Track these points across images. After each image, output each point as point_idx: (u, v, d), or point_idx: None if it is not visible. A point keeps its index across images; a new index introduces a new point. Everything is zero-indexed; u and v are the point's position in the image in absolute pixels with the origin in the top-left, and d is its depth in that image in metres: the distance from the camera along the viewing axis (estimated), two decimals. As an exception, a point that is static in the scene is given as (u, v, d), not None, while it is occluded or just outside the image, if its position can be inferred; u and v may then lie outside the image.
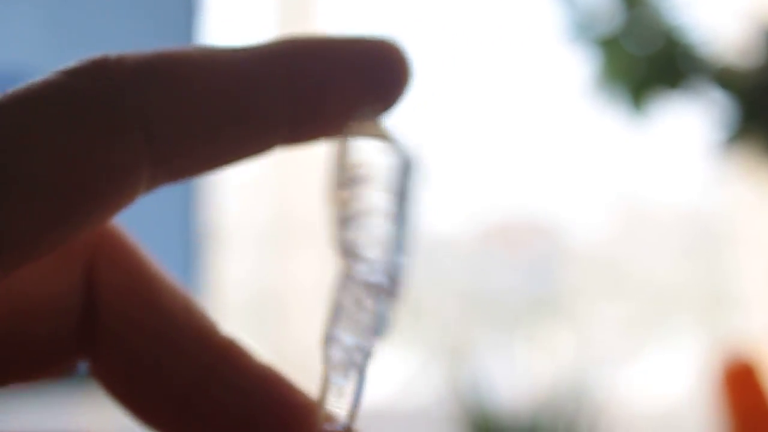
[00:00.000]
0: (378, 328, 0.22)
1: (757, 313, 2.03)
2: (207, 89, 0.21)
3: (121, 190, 0.20)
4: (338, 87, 0.22)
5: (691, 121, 1.61)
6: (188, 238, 1.53)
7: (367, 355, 0.22)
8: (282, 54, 0.22)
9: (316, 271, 1.91)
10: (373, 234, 0.21)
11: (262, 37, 0.22)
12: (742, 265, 2.08)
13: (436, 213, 2.00)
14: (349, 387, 0.21)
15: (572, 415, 1.66)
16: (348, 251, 0.22)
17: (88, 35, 1.42)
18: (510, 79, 2.02)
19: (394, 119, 0.22)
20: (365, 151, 0.22)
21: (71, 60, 0.21)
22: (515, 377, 2.01)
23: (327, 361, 0.22)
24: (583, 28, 1.50)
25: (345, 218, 0.22)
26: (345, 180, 0.22)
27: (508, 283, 2.08)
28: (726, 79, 1.47)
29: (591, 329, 2.08)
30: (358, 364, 0.22)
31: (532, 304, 2.09)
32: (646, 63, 1.48)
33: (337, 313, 0.22)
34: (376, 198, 0.21)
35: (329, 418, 0.21)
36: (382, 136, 0.22)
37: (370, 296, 0.21)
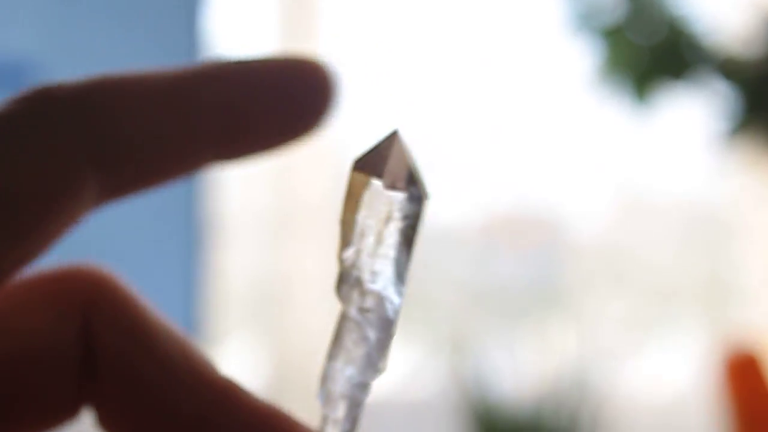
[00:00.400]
0: (375, 361, 0.22)
1: (760, 304, 2.03)
2: (139, 109, 0.22)
3: (66, 209, 0.21)
4: (260, 106, 0.23)
5: (695, 111, 1.61)
6: (191, 229, 1.53)
7: (364, 388, 0.22)
8: (208, 75, 0.23)
9: (319, 259, 1.91)
10: (376, 265, 0.22)
11: (263, 44, 0.23)
12: (745, 257, 2.08)
13: (440, 205, 2.00)
14: (344, 420, 0.22)
15: (575, 407, 1.66)
16: (348, 280, 0.22)
17: (90, 34, 1.42)
18: (514, 71, 2.02)
19: (406, 129, 0.22)
20: (381, 178, 0.22)
21: (72, 59, 0.22)
22: (518, 369, 2.01)
23: (324, 395, 0.22)
24: (586, 19, 1.50)
25: (349, 245, 0.22)
26: (355, 207, 0.22)
27: (511, 275, 2.08)
28: (729, 69, 1.47)
29: (594, 321, 2.08)
30: (354, 398, 0.22)
31: (536, 296, 2.09)
32: (650, 53, 1.48)
33: (335, 346, 0.22)
34: (383, 228, 0.22)
35: None
36: (401, 164, 0.22)
37: (367, 328, 0.22)
